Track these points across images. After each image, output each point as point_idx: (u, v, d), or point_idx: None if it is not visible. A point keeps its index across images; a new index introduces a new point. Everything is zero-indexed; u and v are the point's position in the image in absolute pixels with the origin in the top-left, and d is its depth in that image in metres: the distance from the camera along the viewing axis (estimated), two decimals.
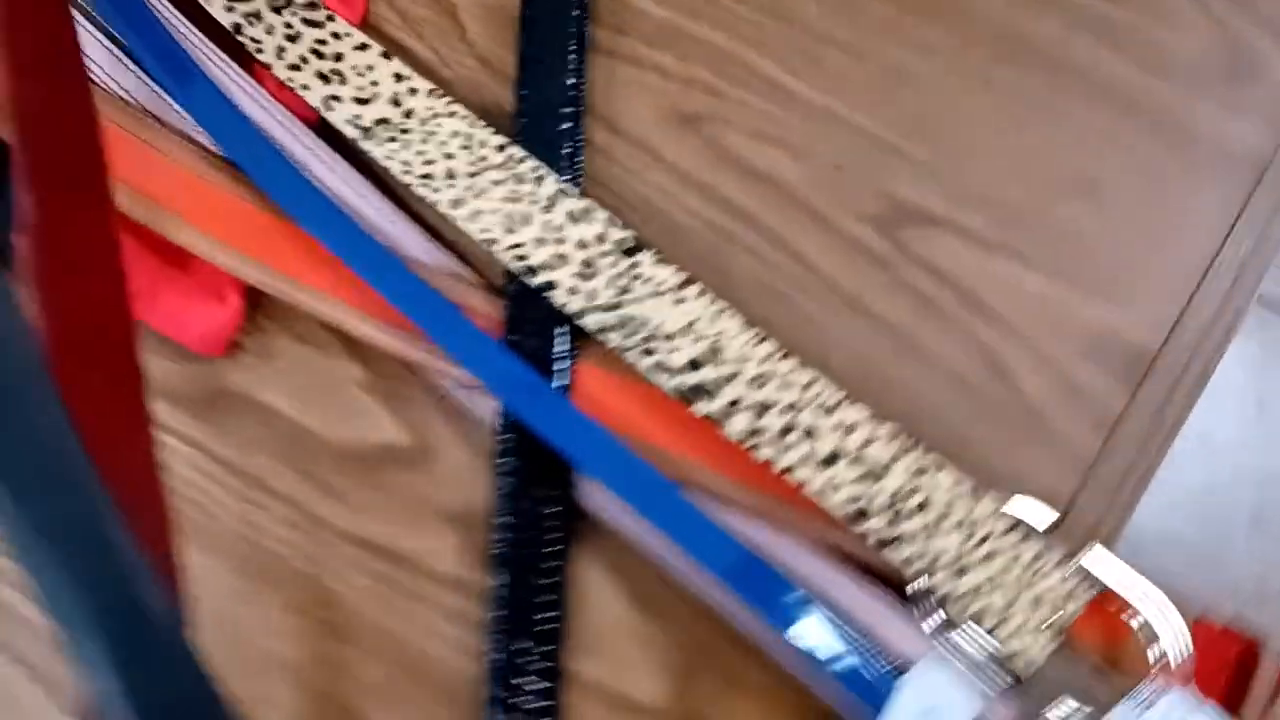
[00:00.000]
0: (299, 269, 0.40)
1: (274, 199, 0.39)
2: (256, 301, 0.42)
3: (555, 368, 0.39)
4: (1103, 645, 0.38)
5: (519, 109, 0.41)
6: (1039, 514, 0.38)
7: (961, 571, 0.37)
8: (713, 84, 0.43)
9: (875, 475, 0.37)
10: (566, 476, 0.39)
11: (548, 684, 0.38)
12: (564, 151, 0.41)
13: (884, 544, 0.37)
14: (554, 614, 0.39)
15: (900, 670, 0.36)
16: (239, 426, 0.42)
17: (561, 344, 0.39)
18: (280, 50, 0.40)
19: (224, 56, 0.41)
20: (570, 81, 0.41)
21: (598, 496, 0.39)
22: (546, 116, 0.41)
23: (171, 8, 0.41)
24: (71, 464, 0.24)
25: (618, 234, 0.39)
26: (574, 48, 0.41)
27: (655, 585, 0.40)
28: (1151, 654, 0.37)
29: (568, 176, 0.40)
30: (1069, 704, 0.36)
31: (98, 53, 0.40)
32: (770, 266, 0.42)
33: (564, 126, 0.41)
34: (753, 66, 0.43)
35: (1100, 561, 0.38)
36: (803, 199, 0.42)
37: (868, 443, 0.37)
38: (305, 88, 0.40)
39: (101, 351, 0.34)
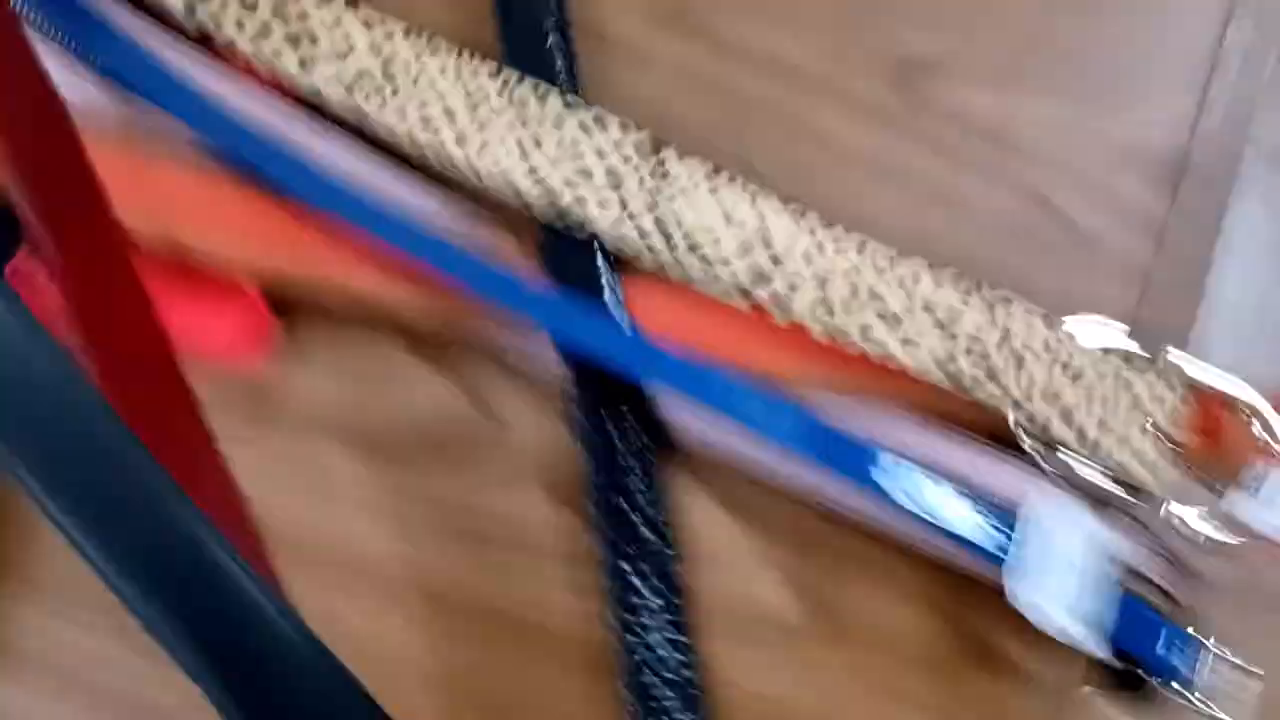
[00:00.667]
0: (321, 252, 0.37)
1: (279, 183, 0.37)
2: (285, 296, 0.39)
3: (604, 293, 0.37)
4: (1200, 440, 0.37)
5: (502, 33, 0.39)
6: (1111, 330, 0.38)
7: (1056, 396, 0.36)
8: None
9: (950, 321, 0.36)
10: (642, 402, 0.38)
11: (673, 620, 0.37)
12: (557, 68, 0.39)
13: (975, 384, 0.36)
14: (666, 546, 0.37)
15: (1013, 512, 0.36)
16: (290, 422, 0.39)
17: (604, 265, 0.37)
18: (239, 23, 0.37)
19: (190, 47, 0.38)
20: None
21: (679, 415, 0.38)
22: (531, 37, 0.39)
23: (120, 9, 0.38)
24: (162, 493, 0.24)
25: (635, 136, 0.37)
26: None
27: (754, 492, 0.38)
28: (1253, 435, 0.37)
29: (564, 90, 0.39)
30: (1188, 497, 0.36)
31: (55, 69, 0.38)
32: (792, 145, 0.40)
33: (551, 42, 0.39)
34: None
35: (1181, 360, 0.37)
36: (809, 71, 0.41)
37: (935, 288, 0.36)
38: (276, 54, 0.37)
39: (152, 378, 0.32)
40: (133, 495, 0.24)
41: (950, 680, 0.39)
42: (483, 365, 0.40)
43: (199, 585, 0.23)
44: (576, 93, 0.39)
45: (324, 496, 0.39)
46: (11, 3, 0.36)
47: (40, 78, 0.34)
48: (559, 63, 0.39)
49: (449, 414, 0.40)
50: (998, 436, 0.37)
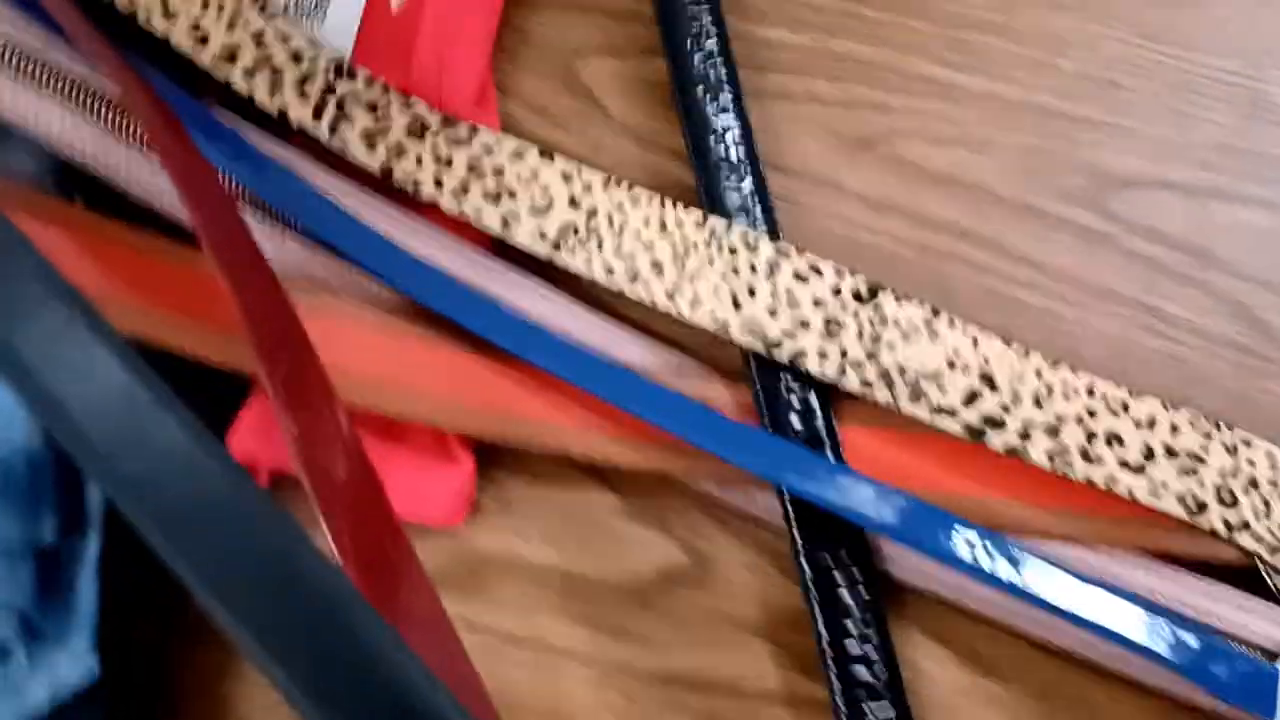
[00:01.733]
0: (524, 405, 0.36)
1: (485, 336, 0.36)
2: (484, 452, 0.38)
3: (822, 438, 0.36)
4: None
5: (697, 176, 0.38)
6: None
7: None
8: (873, 99, 0.40)
9: (1194, 464, 0.35)
10: (866, 549, 0.36)
11: None
12: (754, 210, 0.38)
13: (1229, 530, 0.34)
14: (897, 695, 0.36)
15: (1273, 656, 0.34)
16: (507, 591, 0.38)
17: (821, 411, 0.36)
18: (438, 181, 0.37)
19: (390, 204, 0.37)
20: (738, 135, 0.38)
21: (904, 561, 0.36)
22: (726, 177, 0.38)
23: (317, 168, 0.37)
24: (413, 678, 0.24)
25: (851, 282, 0.36)
26: (732, 98, 0.38)
27: (985, 639, 0.37)
28: None
29: (765, 233, 0.37)
30: None
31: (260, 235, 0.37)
32: (989, 272, 0.39)
33: (746, 183, 0.38)
34: (908, 70, 0.40)
35: None
36: (1000, 193, 0.40)
37: (1174, 432, 0.35)
38: (478, 211, 0.36)
39: (386, 552, 0.31)
40: (365, 661, 0.24)
41: None
42: (698, 518, 0.39)
43: None
44: (776, 233, 0.38)
45: (544, 664, 0.38)
46: (221, 176, 0.35)
47: (253, 246, 0.33)
48: (755, 204, 0.38)
49: (668, 571, 0.38)
50: (1237, 575, 0.35)
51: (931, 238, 0.39)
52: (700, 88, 0.38)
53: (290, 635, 0.24)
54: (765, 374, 0.36)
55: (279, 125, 0.38)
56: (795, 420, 0.36)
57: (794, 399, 0.37)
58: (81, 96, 0.36)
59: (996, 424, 0.35)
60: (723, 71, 0.39)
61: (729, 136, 0.38)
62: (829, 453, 0.36)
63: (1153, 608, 0.34)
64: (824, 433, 0.36)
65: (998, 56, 0.40)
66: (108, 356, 0.28)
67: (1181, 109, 0.39)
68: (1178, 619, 0.34)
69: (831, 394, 0.37)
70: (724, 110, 0.38)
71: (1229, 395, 0.38)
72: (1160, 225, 0.39)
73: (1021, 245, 0.39)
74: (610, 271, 0.37)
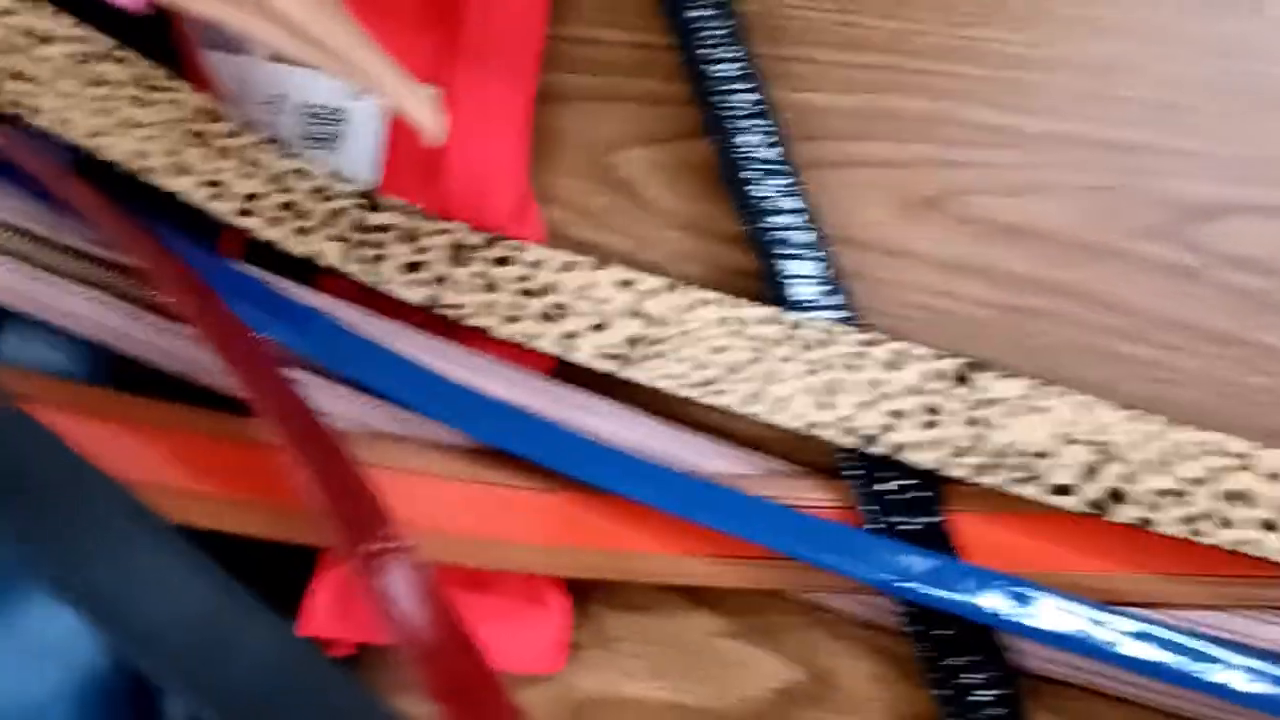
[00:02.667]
0: (613, 536, 0.34)
1: (560, 470, 0.33)
2: (576, 587, 0.36)
3: (932, 532, 0.34)
4: None
5: (759, 262, 0.36)
6: None
7: None
8: (933, 155, 0.37)
9: None
10: (993, 644, 0.34)
11: None
12: (825, 292, 0.35)
13: None
14: None
15: None
16: None
17: (928, 503, 0.34)
18: (488, 306, 0.34)
19: (438, 338, 0.35)
20: (798, 214, 0.35)
21: (1035, 652, 0.34)
22: (790, 260, 0.35)
23: (356, 310, 0.35)
24: None
25: (945, 364, 0.34)
26: (787, 174, 0.36)
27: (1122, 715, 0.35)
28: None
29: (841, 316, 0.35)
30: None
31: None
32: (1080, 325, 0.37)
33: (812, 265, 0.35)
34: (964, 119, 0.37)
35: None
36: (1081, 239, 0.37)
37: None
38: (535, 337, 0.34)
39: (488, 709, 0.29)
40: None
41: None
42: (811, 630, 0.36)
43: None
44: (852, 313, 0.36)
45: None
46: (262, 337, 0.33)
47: (305, 407, 0.31)
48: (826, 285, 0.35)
49: (785, 691, 0.36)
50: None
51: (1014, 296, 0.37)
52: (752, 168, 0.36)
53: None
54: (861, 470, 0.34)
55: (307, 268, 0.35)
56: (895, 517, 0.34)
57: (896, 492, 0.34)
58: (100, 279, 0.33)
59: (1119, 497, 0.33)
60: (774, 148, 0.36)
61: (788, 218, 0.36)
62: (939, 549, 0.34)
63: None
64: (933, 525, 0.34)
65: (1051, 93, 0.37)
66: (189, 575, 0.26)
67: (1255, 124, 0.37)
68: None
69: (938, 482, 0.34)
70: (780, 190, 0.36)
71: None
72: (1250, 252, 0.37)
73: (1106, 290, 0.37)
74: (684, 381, 0.34)
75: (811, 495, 0.35)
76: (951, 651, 0.34)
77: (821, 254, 0.36)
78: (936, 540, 0.34)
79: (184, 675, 0.25)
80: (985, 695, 0.34)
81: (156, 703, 0.32)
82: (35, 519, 0.26)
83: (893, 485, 0.34)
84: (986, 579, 0.33)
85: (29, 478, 0.27)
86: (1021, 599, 0.33)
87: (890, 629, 0.36)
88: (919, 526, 0.34)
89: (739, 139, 0.36)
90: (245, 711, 0.25)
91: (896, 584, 0.34)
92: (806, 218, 0.36)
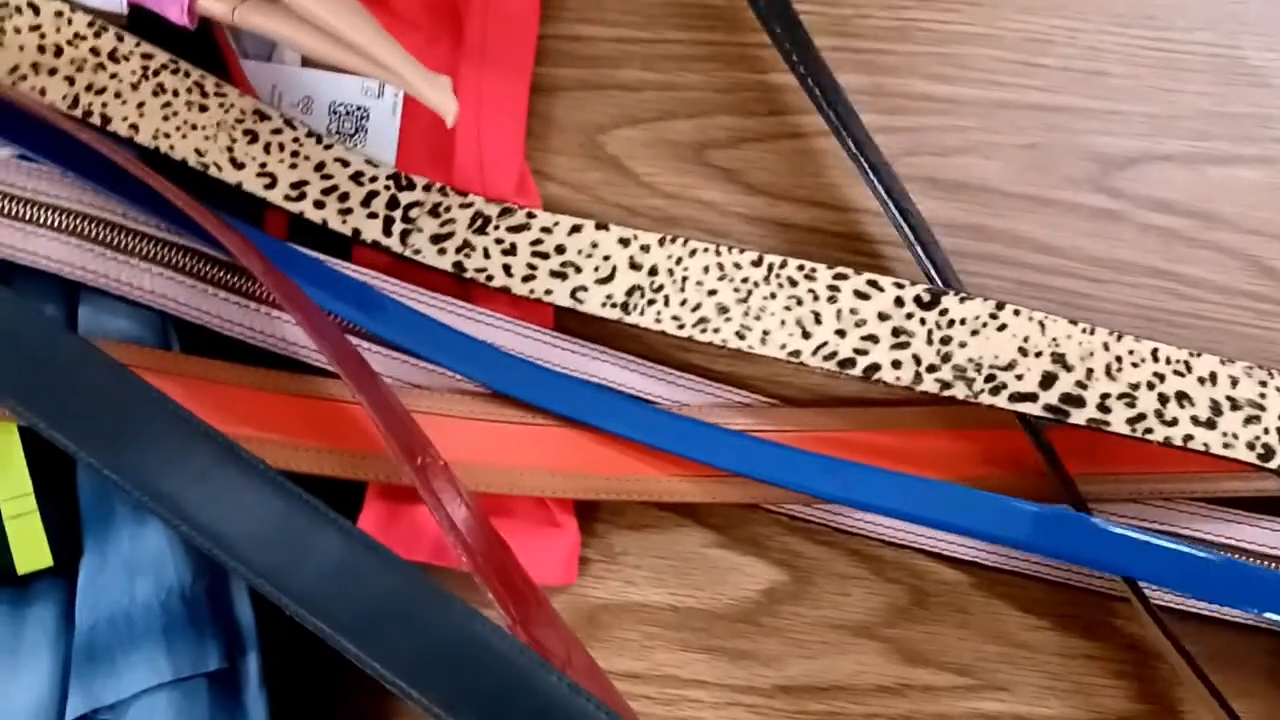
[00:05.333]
0: (614, 463, 0.36)
1: (564, 413, 0.36)
2: (583, 510, 0.38)
3: None
4: None
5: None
6: None
7: None
8: (878, 123, 0.40)
9: (1256, 411, 0.35)
10: None
11: None
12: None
13: None
14: None
15: None
16: (626, 634, 0.38)
17: None
18: (507, 268, 0.36)
19: (458, 303, 0.37)
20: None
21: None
22: None
23: (387, 280, 0.38)
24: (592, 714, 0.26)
25: (913, 290, 0.36)
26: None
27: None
28: None
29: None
30: None
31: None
32: (1016, 265, 0.39)
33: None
34: (907, 91, 0.40)
35: None
36: (1012, 190, 0.40)
37: (1234, 384, 0.34)
38: (548, 292, 0.36)
39: (534, 610, 0.32)
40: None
41: None
42: (790, 537, 0.39)
43: None
44: None
45: (670, 696, 0.38)
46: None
47: (365, 362, 0.35)
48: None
49: (771, 591, 0.38)
50: None
51: (956, 243, 0.39)
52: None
53: (488, 705, 0.26)
54: None
55: (339, 246, 0.38)
56: None
57: None
58: (165, 257, 0.36)
59: (1077, 401, 0.35)
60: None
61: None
62: None
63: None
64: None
65: (983, 64, 0.40)
66: (259, 487, 0.28)
67: (1166, 85, 0.39)
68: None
69: None
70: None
71: (1255, 341, 0.39)
72: (1166, 196, 0.39)
73: (1040, 235, 0.39)
74: (679, 323, 0.36)
75: (783, 424, 0.38)
76: None
77: None
78: None
79: (260, 576, 0.26)
80: None
81: (232, 612, 0.33)
82: (114, 447, 0.27)
83: None
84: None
85: (105, 408, 0.28)
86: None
87: (860, 533, 0.38)
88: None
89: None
90: (325, 616, 0.26)
91: (837, 496, 0.36)
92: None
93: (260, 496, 0.27)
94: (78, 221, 0.35)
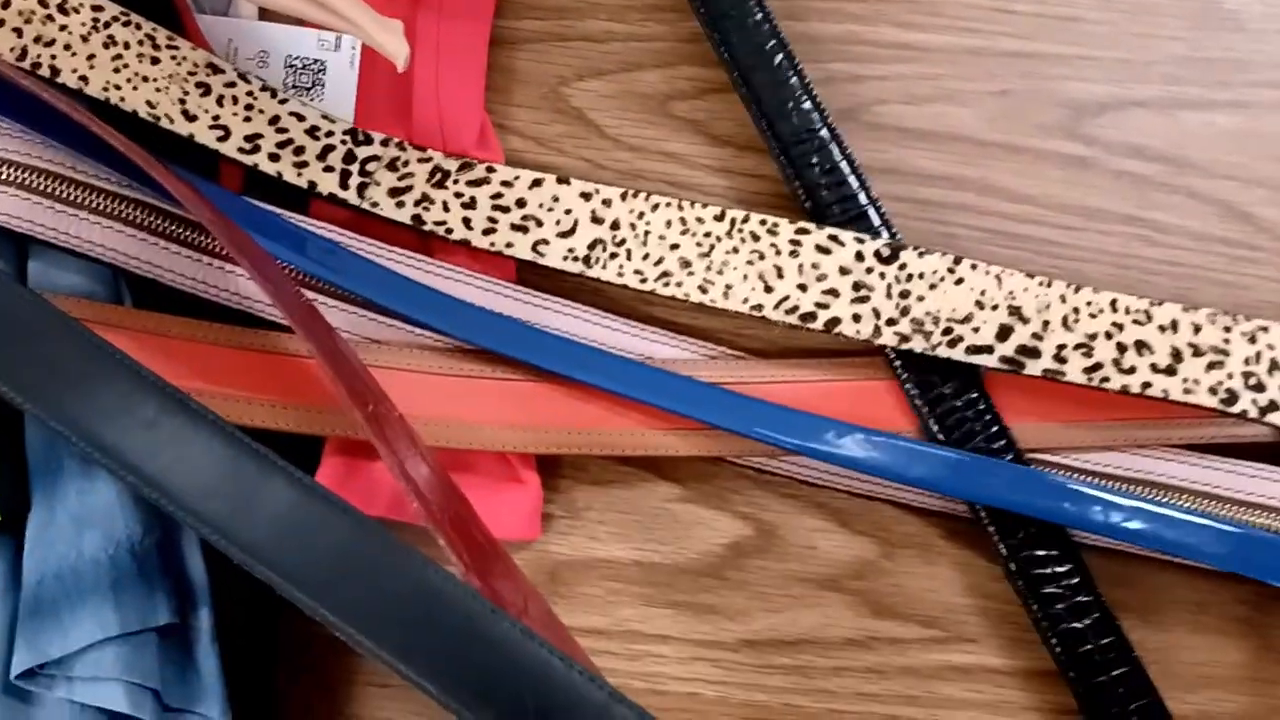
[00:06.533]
0: (577, 416, 0.36)
1: (527, 361, 0.36)
2: (545, 464, 0.38)
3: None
4: None
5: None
6: None
7: None
8: (847, 71, 0.40)
9: (1220, 357, 0.35)
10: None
11: None
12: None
13: (1261, 413, 0.34)
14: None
15: None
16: (590, 590, 0.38)
17: None
18: (467, 221, 0.36)
19: (418, 256, 0.37)
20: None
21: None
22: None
23: (346, 234, 0.37)
24: (558, 665, 0.26)
25: (873, 245, 0.35)
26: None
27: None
28: None
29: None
30: None
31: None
32: (987, 214, 0.39)
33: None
34: (877, 39, 0.40)
35: None
36: (984, 138, 0.39)
37: (1196, 331, 0.35)
38: (509, 245, 0.36)
39: (491, 560, 0.32)
40: (511, 661, 0.26)
41: None
42: (756, 491, 0.39)
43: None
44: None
45: (635, 651, 0.38)
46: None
47: (318, 313, 0.34)
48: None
49: (736, 545, 0.38)
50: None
51: (927, 192, 0.39)
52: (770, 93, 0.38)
53: (441, 652, 0.26)
54: None
55: (298, 200, 0.37)
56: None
57: None
58: (115, 210, 0.36)
59: (1032, 353, 0.35)
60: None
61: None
62: None
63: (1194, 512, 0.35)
64: None
65: (954, 10, 0.39)
66: (208, 436, 0.28)
67: (1140, 30, 0.39)
68: (1220, 518, 0.35)
69: None
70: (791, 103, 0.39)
71: (1229, 286, 0.38)
72: (1139, 142, 0.39)
73: (1012, 183, 0.39)
74: (641, 277, 0.36)
75: (748, 376, 0.37)
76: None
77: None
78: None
79: (207, 525, 0.26)
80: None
81: (183, 566, 0.33)
82: (60, 398, 0.27)
83: None
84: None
85: (50, 359, 0.28)
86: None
87: (826, 485, 0.37)
88: None
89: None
90: (274, 565, 0.26)
91: (805, 448, 0.36)
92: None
93: (208, 446, 0.27)
94: (26, 175, 0.35)
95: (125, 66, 0.36)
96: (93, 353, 0.28)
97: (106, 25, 0.36)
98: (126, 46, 0.36)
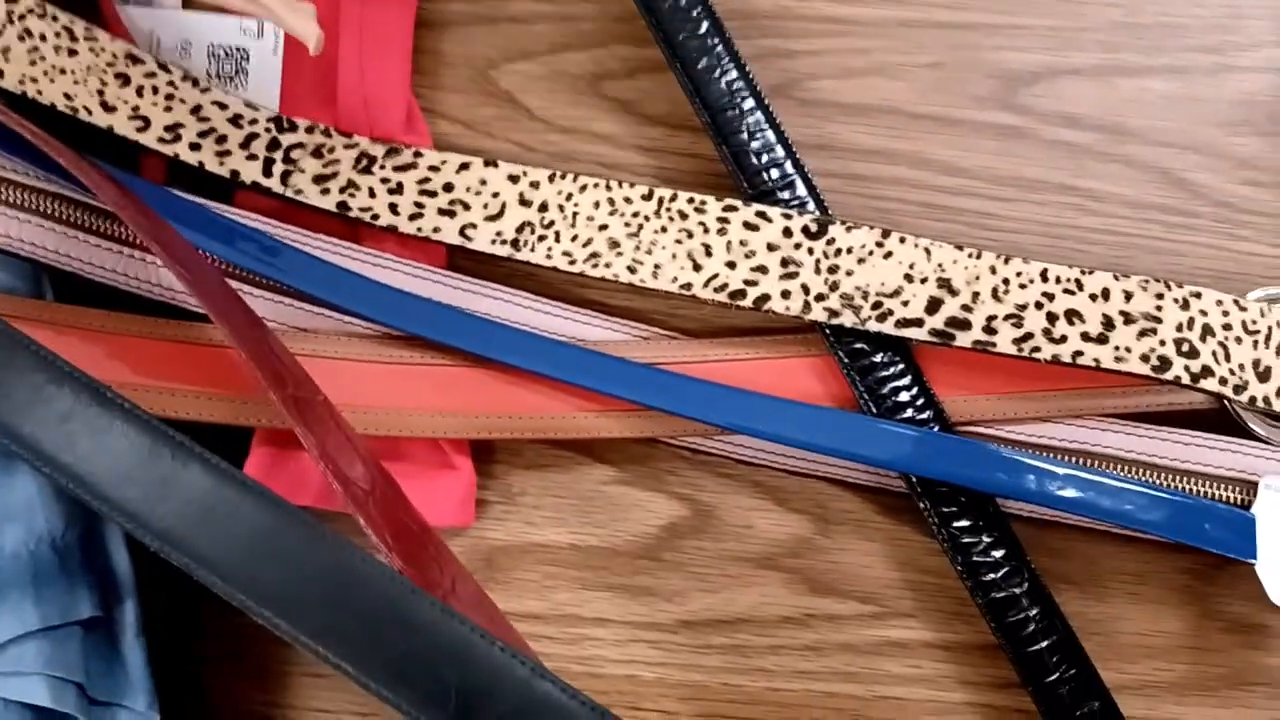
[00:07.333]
0: (509, 400, 0.36)
1: (458, 346, 0.36)
2: (479, 450, 0.38)
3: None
4: None
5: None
6: None
7: (1266, 372, 0.35)
8: (779, 47, 0.40)
9: (1152, 324, 0.35)
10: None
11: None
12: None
13: (1194, 380, 0.34)
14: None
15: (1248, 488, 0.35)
16: (526, 575, 0.38)
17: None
18: (393, 207, 0.36)
19: (345, 243, 0.37)
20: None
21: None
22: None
23: (271, 223, 0.37)
24: (483, 646, 0.26)
25: (801, 221, 0.35)
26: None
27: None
28: None
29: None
30: None
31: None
32: (921, 187, 0.39)
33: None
34: (805, 14, 0.40)
35: None
36: (918, 111, 0.39)
37: (1128, 299, 0.34)
38: (436, 230, 0.36)
39: (421, 545, 0.32)
40: (436, 644, 0.26)
41: None
42: (692, 472, 0.38)
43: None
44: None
45: (572, 635, 0.38)
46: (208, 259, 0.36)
47: (242, 302, 0.34)
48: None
49: (672, 526, 0.38)
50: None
51: (861, 167, 0.39)
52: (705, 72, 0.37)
53: (359, 633, 0.26)
54: None
55: (223, 190, 0.37)
56: None
57: None
58: (36, 204, 0.35)
59: (962, 325, 0.35)
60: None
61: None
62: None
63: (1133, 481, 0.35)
64: None
65: None
66: (123, 425, 0.28)
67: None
68: (1157, 485, 0.35)
69: None
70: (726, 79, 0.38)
71: (1165, 254, 0.38)
72: (1073, 110, 0.39)
73: (945, 156, 0.39)
74: (570, 258, 0.36)
75: (680, 356, 0.37)
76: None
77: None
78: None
79: (123, 513, 0.26)
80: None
81: (108, 560, 0.33)
82: None
83: None
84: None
85: None
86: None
87: (762, 465, 0.37)
88: None
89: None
90: (191, 552, 0.26)
91: (739, 426, 0.36)
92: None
93: (124, 434, 0.27)
94: None
95: (42, 59, 0.36)
96: (6, 345, 0.28)
97: (22, 18, 0.36)
98: (43, 39, 0.35)
